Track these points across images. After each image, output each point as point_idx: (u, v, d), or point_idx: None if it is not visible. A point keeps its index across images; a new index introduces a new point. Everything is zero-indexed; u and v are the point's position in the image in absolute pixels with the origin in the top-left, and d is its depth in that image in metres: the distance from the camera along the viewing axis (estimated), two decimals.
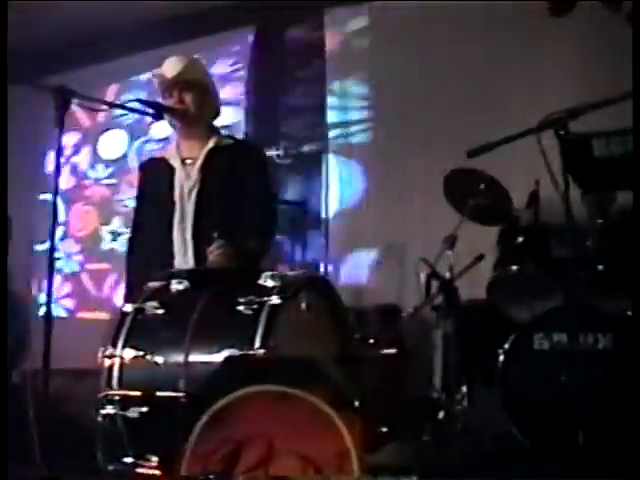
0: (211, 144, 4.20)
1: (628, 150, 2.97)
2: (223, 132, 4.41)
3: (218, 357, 3.01)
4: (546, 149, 3.44)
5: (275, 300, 3.08)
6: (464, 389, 4.60)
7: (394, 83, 6.69)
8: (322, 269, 6.15)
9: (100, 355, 3.26)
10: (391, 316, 5.26)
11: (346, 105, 6.91)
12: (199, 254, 3.95)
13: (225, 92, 6.83)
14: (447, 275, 4.77)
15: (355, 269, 6.42)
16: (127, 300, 3.53)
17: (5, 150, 4.71)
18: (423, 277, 4.96)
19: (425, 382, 4.97)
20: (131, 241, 4.35)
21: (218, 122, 4.42)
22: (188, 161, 4.21)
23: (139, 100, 3.91)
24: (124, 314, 3.34)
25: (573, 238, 3.99)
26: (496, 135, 3.98)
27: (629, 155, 2.96)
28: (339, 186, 6.54)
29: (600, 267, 4.34)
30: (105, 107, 3.86)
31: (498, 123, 5.39)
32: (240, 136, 6.65)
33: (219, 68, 7.28)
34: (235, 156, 4.21)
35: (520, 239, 4.77)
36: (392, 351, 4.88)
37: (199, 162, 4.17)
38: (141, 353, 3.20)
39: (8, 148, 5.81)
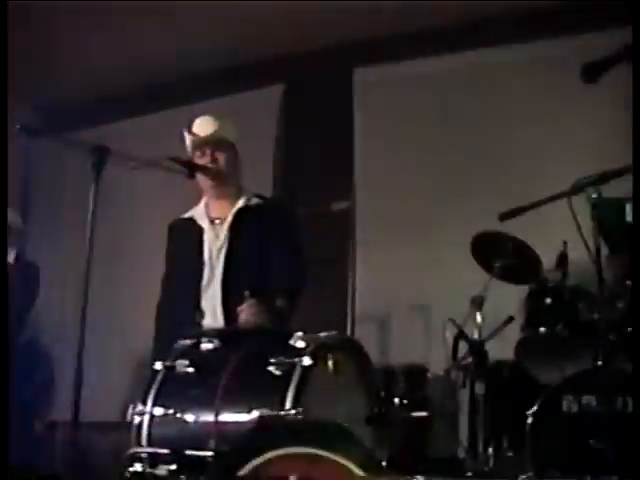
0: (240, 203, 4.24)
1: None
2: (252, 191, 4.42)
3: (248, 417, 3.01)
4: (576, 212, 3.46)
5: (306, 361, 3.08)
6: (491, 450, 4.56)
7: (422, 144, 6.75)
8: (349, 329, 6.14)
9: (130, 412, 3.27)
10: (418, 376, 5.22)
11: (374, 164, 6.93)
12: (229, 313, 3.96)
13: (255, 150, 6.89)
14: (475, 336, 4.76)
15: (382, 329, 6.41)
16: (157, 358, 3.54)
17: (5, 151, 4.77)
18: (450, 338, 4.95)
19: (452, 443, 4.92)
20: (161, 301, 4.36)
21: (248, 180, 4.46)
22: (217, 221, 4.26)
23: (172, 158, 3.94)
24: (155, 372, 3.34)
25: (603, 300, 3.95)
26: (527, 198, 4.02)
27: None
28: (366, 245, 6.53)
29: (629, 329, 4.30)
30: (139, 165, 3.86)
31: (530, 186, 5.38)
32: (269, 194, 6.71)
33: (249, 125, 7.30)
34: (264, 215, 4.25)
35: (549, 300, 4.75)
36: (422, 414, 4.83)
37: (228, 222, 4.21)
38: (171, 411, 3.20)
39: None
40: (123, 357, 6.54)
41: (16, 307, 5.46)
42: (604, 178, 3.24)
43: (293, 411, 2.93)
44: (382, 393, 4.93)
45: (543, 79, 6.12)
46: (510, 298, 5.07)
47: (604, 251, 3.68)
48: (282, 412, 2.94)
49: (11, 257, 5.79)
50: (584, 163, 4.60)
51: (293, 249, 4.24)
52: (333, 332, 3.30)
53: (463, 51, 6.78)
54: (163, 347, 3.70)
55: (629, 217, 3.02)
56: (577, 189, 3.28)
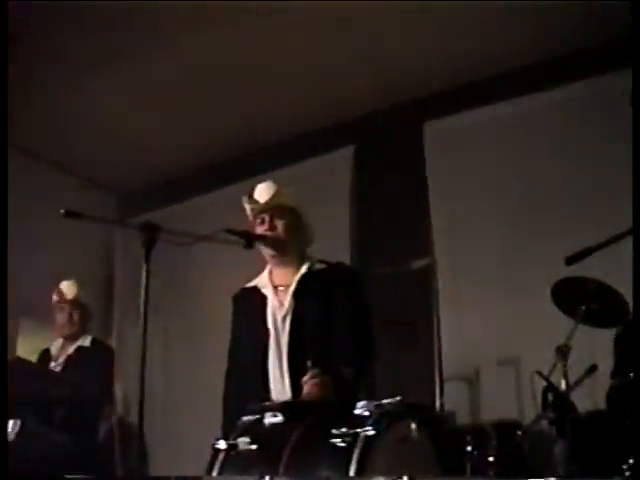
0: (303, 269, 4.15)
1: None
2: (317, 256, 4.32)
3: None
4: None
5: (370, 431, 2.94)
6: None
7: (496, 191, 6.66)
8: (438, 390, 6.00)
9: None
10: (510, 432, 5.03)
11: (450, 217, 6.81)
12: (296, 384, 3.84)
13: (330, 214, 6.84)
14: (563, 387, 4.58)
15: (472, 387, 6.24)
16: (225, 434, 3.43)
17: (5, 153, 4.77)
18: (540, 391, 4.77)
19: None
20: (228, 373, 4.27)
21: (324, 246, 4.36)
22: (281, 288, 4.17)
23: (228, 230, 3.86)
24: (217, 450, 3.24)
25: None
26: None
27: None
28: (449, 302, 6.40)
29: None
30: (193, 240, 3.80)
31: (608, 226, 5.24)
32: (347, 258, 6.62)
33: (322, 190, 7.25)
34: (328, 280, 4.14)
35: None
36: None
37: (292, 289, 4.12)
38: None
39: None
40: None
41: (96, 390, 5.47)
42: None
43: None
44: (474, 454, 4.87)
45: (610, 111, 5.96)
46: (600, 345, 4.86)
47: None
48: None
49: (87, 341, 5.79)
50: None
51: (359, 314, 4.09)
52: (397, 398, 3.14)
53: (537, 91, 6.68)
54: (232, 423, 3.58)
55: None
56: None
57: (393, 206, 7.19)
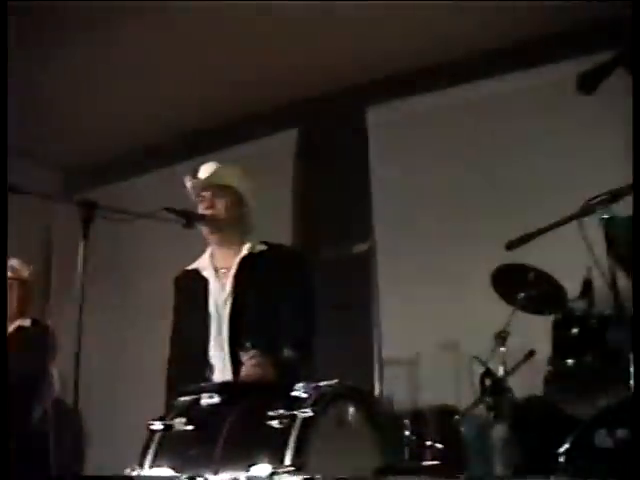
0: (244, 251, 4.10)
1: None
2: (258, 238, 4.27)
3: (248, 474, 2.85)
4: (595, 235, 3.30)
5: (307, 413, 2.91)
6: None
7: (437, 177, 6.69)
8: (377, 373, 6.01)
9: (127, 474, 3.12)
10: (448, 417, 5.06)
11: (393, 203, 6.82)
12: (238, 367, 3.81)
13: (272, 196, 6.81)
14: (500, 372, 4.62)
15: (411, 371, 6.25)
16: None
17: (5, 149, 4.69)
18: (478, 375, 4.81)
19: None
20: (170, 357, 4.22)
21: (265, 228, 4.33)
22: (222, 270, 4.12)
23: (167, 209, 3.81)
24: (152, 431, 3.19)
25: (625, 326, 3.76)
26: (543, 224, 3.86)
27: None
28: (389, 286, 6.41)
29: None
30: (132, 218, 3.75)
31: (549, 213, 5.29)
32: (289, 241, 6.60)
33: (264, 172, 7.21)
34: (270, 262, 4.10)
35: (575, 330, 4.56)
36: (433, 463, 4.67)
37: (233, 271, 4.07)
38: (168, 472, 3.04)
39: None
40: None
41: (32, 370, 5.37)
42: (614, 196, 3.07)
43: (292, 467, 2.75)
44: (412, 438, 4.89)
45: (550, 103, 6.03)
46: (538, 331, 4.90)
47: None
48: (281, 468, 2.76)
49: (27, 321, 5.69)
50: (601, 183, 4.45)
51: (301, 297, 4.07)
52: (335, 380, 3.12)
53: (477, 81, 6.73)
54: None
55: None
56: (586, 210, 3.12)
57: (335, 190, 7.17)
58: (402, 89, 7.05)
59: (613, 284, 3.05)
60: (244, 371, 3.68)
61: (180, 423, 3.15)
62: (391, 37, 6.61)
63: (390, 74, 7.07)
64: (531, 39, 6.47)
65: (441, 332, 6.12)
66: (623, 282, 3.39)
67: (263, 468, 2.82)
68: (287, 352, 3.81)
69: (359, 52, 6.81)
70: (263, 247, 4.17)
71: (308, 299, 4.12)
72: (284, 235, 6.74)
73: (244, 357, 3.70)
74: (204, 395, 3.30)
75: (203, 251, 4.29)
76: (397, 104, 7.09)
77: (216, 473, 2.94)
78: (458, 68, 6.82)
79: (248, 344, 3.69)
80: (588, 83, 2.76)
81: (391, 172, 6.91)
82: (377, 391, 5.74)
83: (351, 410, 3.16)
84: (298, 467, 2.77)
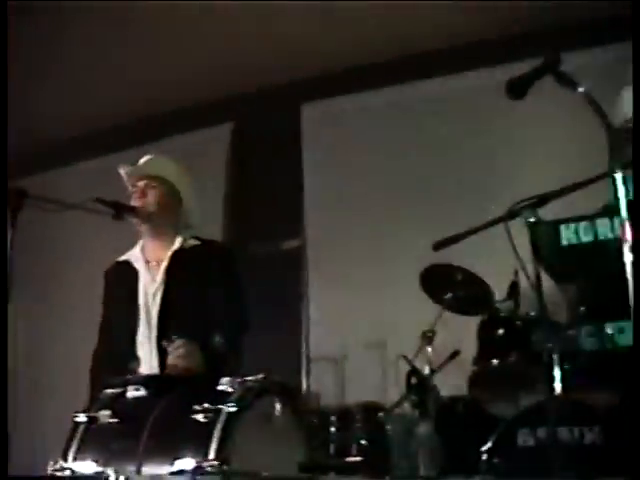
0: (176, 245, 4.09)
1: (598, 237, 2.85)
2: (191, 232, 4.26)
3: (172, 468, 2.84)
4: (522, 238, 3.35)
5: (233, 408, 2.92)
6: None
7: (369, 176, 6.73)
8: (304, 370, 6.02)
9: (49, 469, 3.09)
10: (374, 414, 5.10)
11: (325, 201, 6.85)
12: (164, 358, 3.80)
13: (204, 190, 6.77)
14: (426, 371, 4.67)
15: (338, 368, 6.28)
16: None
17: (5, 151, 4.64)
18: (404, 374, 4.85)
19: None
20: (97, 349, 4.18)
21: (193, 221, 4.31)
22: (153, 263, 4.10)
23: (98, 199, 3.78)
24: (77, 424, 3.17)
25: (548, 329, 3.84)
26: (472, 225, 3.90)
27: (599, 242, 2.84)
28: (319, 284, 6.42)
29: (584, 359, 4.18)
30: (61, 208, 3.70)
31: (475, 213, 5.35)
32: (219, 235, 6.59)
33: (198, 165, 7.19)
34: (201, 257, 4.10)
35: (501, 331, 4.63)
36: (355, 459, 4.71)
37: (164, 264, 4.06)
38: (92, 465, 3.02)
39: None
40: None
41: None
42: (541, 201, 3.13)
43: (216, 461, 2.76)
44: (338, 434, 4.91)
45: (484, 104, 6.11)
46: (466, 331, 4.96)
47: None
48: (205, 462, 2.77)
49: None
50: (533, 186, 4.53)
51: (232, 291, 4.07)
52: (261, 375, 3.13)
53: (413, 81, 6.79)
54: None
55: (564, 240, 2.89)
56: (513, 213, 3.17)
57: (267, 187, 7.17)
58: (336, 87, 7.07)
59: (538, 287, 3.10)
60: (169, 361, 3.67)
61: (105, 416, 3.14)
62: (326, 36, 6.64)
63: (325, 72, 7.07)
64: (466, 42, 6.53)
65: (369, 330, 6.17)
66: (547, 285, 3.46)
67: (187, 462, 2.82)
68: (216, 341, 3.81)
69: (294, 49, 6.81)
70: (195, 242, 4.17)
71: (238, 291, 4.12)
72: (215, 229, 6.73)
73: (169, 348, 3.69)
74: (130, 388, 3.29)
75: (135, 242, 4.27)
76: (331, 102, 7.12)
77: (140, 467, 2.94)
78: (391, 68, 6.87)
79: (174, 336, 3.68)
80: (517, 88, 2.81)
81: (324, 170, 6.94)
82: (304, 387, 5.75)
83: (277, 405, 3.17)
84: (222, 461, 2.78)
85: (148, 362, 3.91)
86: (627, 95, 3.82)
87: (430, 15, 6.25)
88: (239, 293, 4.13)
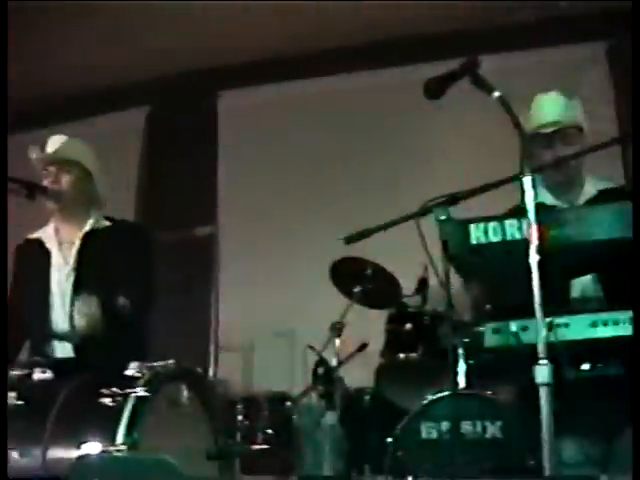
0: (87, 227, 4.08)
1: (506, 237, 2.92)
2: (103, 213, 4.25)
3: (78, 452, 2.84)
4: (433, 235, 3.40)
5: (140, 392, 2.93)
6: (354, 476, 4.51)
7: (285, 165, 6.79)
8: (213, 357, 6.04)
9: None
10: (281, 403, 5.13)
11: (239, 189, 6.86)
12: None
13: (118, 173, 6.72)
14: (334, 362, 4.70)
15: (247, 357, 6.30)
16: None
17: (5, 149, 4.55)
18: (312, 364, 4.89)
19: (317, 469, 4.85)
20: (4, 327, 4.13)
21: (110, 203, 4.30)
22: (65, 245, 4.08)
23: (10, 178, 3.73)
24: None
25: (455, 326, 3.91)
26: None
27: (507, 242, 2.91)
28: (230, 271, 6.44)
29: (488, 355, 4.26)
30: None
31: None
32: (132, 218, 6.55)
33: (112, 148, 7.13)
34: (113, 238, 4.09)
35: (408, 326, 4.69)
36: (263, 447, 4.73)
37: (76, 245, 4.04)
38: None
39: None
40: None
41: None
42: (453, 200, 3.18)
43: (123, 446, 2.76)
44: (245, 423, 4.93)
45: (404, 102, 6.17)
46: (375, 324, 5.01)
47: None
48: (112, 447, 2.77)
49: None
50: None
51: (139, 260, 4.07)
52: (170, 361, 3.14)
53: (326, 75, 6.84)
54: None
55: (474, 240, 2.95)
56: (425, 210, 3.21)
57: (181, 173, 7.15)
58: (254, 76, 7.09)
59: (446, 283, 3.15)
60: (76, 321, 3.64)
61: (10, 397, 3.11)
62: (246, 27, 6.66)
63: (244, 61, 7.08)
64: (385, 39, 6.62)
65: (278, 320, 6.21)
66: (455, 282, 3.52)
67: (94, 446, 2.82)
68: (120, 303, 3.79)
69: (214, 36, 6.80)
70: (107, 223, 4.17)
71: (146, 263, 4.14)
72: (127, 214, 6.68)
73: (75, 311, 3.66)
74: (37, 370, 3.27)
75: (47, 220, 4.24)
76: (249, 90, 7.13)
77: (46, 450, 2.93)
78: (309, 61, 6.94)
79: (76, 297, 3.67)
80: (434, 88, 2.87)
81: (239, 158, 6.95)
82: (212, 374, 5.77)
83: (185, 392, 3.19)
84: (129, 446, 2.78)
85: (60, 344, 3.89)
86: (541, 101, 3.92)
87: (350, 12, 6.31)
88: (147, 263, 4.15)
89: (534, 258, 2.56)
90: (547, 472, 2.44)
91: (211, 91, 7.23)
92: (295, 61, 6.95)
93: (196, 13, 6.50)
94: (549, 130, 3.75)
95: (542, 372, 2.47)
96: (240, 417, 4.92)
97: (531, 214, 2.61)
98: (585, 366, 3.09)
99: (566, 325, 2.96)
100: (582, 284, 3.60)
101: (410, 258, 4.88)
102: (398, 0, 6.14)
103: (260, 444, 4.82)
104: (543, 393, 2.46)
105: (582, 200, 3.82)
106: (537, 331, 2.54)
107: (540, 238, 2.59)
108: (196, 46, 6.94)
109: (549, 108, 3.84)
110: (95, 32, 6.68)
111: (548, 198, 3.85)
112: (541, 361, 2.48)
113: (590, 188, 3.84)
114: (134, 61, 7.13)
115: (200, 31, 6.74)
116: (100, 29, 6.65)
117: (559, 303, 3.15)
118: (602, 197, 3.76)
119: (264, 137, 6.92)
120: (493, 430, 3.89)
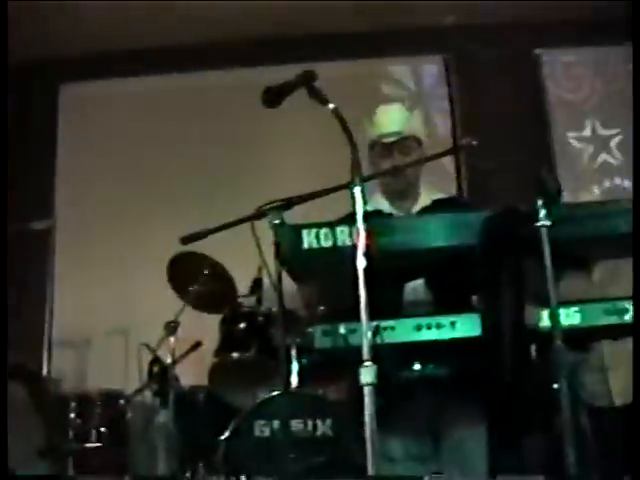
0: None
1: (337, 243, 3.02)
2: None
3: None
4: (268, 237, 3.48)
5: None
6: (188, 475, 4.56)
7: (125, 160, 6.79)
8: (46, 354, 5.96)
9: None
10: (114, 401, 5.12)
11: (76, 181, 6.80)
12: None
13: None
14: (169, 361, 4.73)
15: (81, 354, 6.24)
16: None
17: (5, 147, 4.34)
18: (146, 362, 4.90)
19: (151, 467, 4.87)
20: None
21: None
22: None
23: None
24: None
25: (287, 326, 4.00)
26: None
27: (338, 248, 3.01)
28: (67, 265, 6.37)
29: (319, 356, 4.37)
30: None
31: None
32: None
33: None
34: None
35: (242, 325, 4.78)
36: (95, 445, 4.73)
37: None
38: None
39: None
40: None
41: None
42: (287, 205, 3.26)
43: None
44: (78, 421, 4.90)
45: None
46: (210, 323, 5.06)
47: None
48: None
49: None
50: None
51: None
52: None
53: (176, 72, 6.88)
54: None
55: (306, 244, 3.05)
56: (260, 214, 3.29)
57: (19, 165, 6.99)
58: (97, 70, 7.02)
59: (278, 284, 3.24)
60: None
61: None
62: (87, 21, 6.62)
63: (85, 54, 6.99)
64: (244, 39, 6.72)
65: (113, 317, 6.17)
66: (290, 283, 3.60)
67: None
68: None
69: (56, 27, 6.72)
70: None
71: None
72: None
73: None
74: None
75: None
76: (91, 84, 7.06)
77: None
78: (154, 57, 6.95)
79: None
80: (272, 97, 2.95)
81: (78, 152, 6.88)
82: (45, 371, 5.71)
83: (17, 389, 3.17)
84: None
85: None
86: (383, 111, 4.06)
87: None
88: None
89: (361, 263, 2.65)
90: (370, 470, 2.54)
91: (52, 83, 7.09)
92: (137, 56, 6.91)
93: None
94: (389, 140, 3.86)
95: (366, 373, 2.56)
96: (73, 415, 4.89)
97: (359, 221, 2.70)
98: (416, 366, 3.20)
99: (392, 328, 3.05)
100: (414, 289, 3.73)
101: (247, 259, 5.01)
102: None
103: (93, 442, 4.81)
104: (367, 393, 2.55)
105: (417, 209, 3.96)
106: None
107: (368, 244, 2.68)
108: (38, 36, 6.81)
109: (390, 119, 3.96)
110: None
111: (385, 205, 3.95)
112: (366, 362, 2.56)
113: (425, 198, 3.99)
114: None
115: (42, 21, 6.62)
116: None
117: (391, 306, 3.30)
118: (436, 206, 3.91)
119: (105, 132, 6.86)
120: (323, 428, 4.01)
